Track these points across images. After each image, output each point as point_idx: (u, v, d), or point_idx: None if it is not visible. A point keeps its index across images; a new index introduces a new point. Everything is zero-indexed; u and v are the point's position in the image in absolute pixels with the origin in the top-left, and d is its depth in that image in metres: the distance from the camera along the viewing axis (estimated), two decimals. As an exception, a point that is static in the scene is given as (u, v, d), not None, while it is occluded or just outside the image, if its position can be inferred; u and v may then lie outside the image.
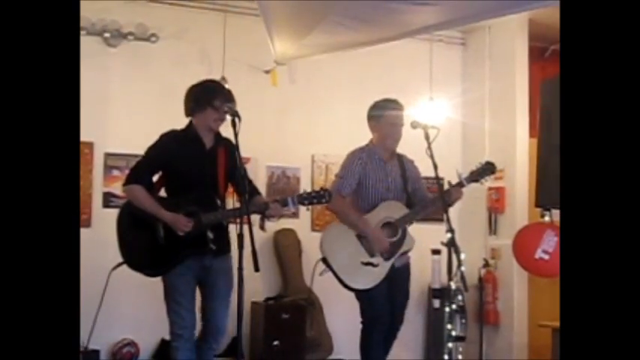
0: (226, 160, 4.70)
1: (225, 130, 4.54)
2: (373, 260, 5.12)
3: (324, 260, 5.14)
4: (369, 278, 5.10)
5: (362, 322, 5.20)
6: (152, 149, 4.70)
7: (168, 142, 4.68)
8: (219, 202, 4.70)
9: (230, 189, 4.84)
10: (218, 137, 4.75)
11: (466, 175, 5.22)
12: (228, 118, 4.30)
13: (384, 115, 5.29)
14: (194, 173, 4.63)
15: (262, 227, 4.65)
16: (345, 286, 5.12)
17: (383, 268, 5.13)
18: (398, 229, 5.21)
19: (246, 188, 4.29)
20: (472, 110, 8.13)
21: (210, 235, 4.61)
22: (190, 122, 4.74)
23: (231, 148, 4.58)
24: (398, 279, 5.27)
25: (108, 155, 6.85)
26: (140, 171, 4.69)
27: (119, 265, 4.70)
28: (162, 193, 4.79)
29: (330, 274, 5.14)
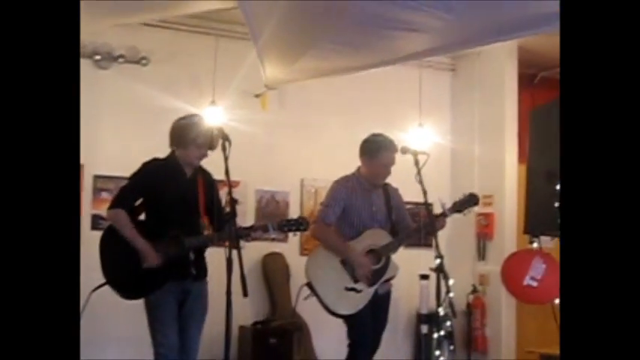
0: (205, 190, 4.82)
1: (216, 154, 4.56)
2: (357, 286, 5.16)
3: (309, 285, 5.17)
4: (352, 303, 5.13)
5: (348, 345, 5.19)
6: (134, 177, 4.80)
7: (151, 170, 4.78)
8: (200, 227, 4.79)
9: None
10: (198, 168, 4.85)
11: (449, 206, 5.25)
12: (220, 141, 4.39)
13: (378, 155, 5.29)
14: (176, 200, 4.71)
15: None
16: (329, 310, 5.14)
17: (366, 293, 5.16)
18: (381, 256, 5.24)
19: (235, 209, 4.39)
20: (461, 136, 8.17)
21: (192, 258, 4.69)
22: (173, 151, 4.80)
23: (209, 180, 4.87)
24: (378, 306, 5.29)
25: (97, 177, 6.85)
26: (123, 197, 4.77)
27: (100, 286, 4.70)
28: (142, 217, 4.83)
29: (315, 298, 5.16)
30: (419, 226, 5.33)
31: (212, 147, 4.68)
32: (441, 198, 5.21)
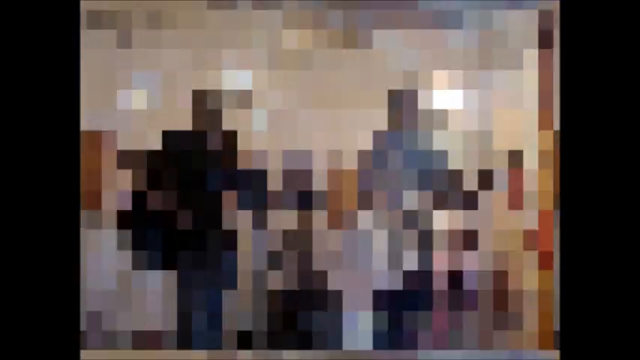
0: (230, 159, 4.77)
1: (243, 125, 4.58)
2: None
3: None
4: None
5: None
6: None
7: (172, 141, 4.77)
8: None
9: None
10: (222, 134, 4.83)
11: None
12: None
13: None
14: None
15: None
16: None
17: None
18: None
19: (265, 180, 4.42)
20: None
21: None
22: (197, 121, 4.82)
23: (233, 147, 4.77)
24: None
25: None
26: None
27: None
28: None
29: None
30: None
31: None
32: None
